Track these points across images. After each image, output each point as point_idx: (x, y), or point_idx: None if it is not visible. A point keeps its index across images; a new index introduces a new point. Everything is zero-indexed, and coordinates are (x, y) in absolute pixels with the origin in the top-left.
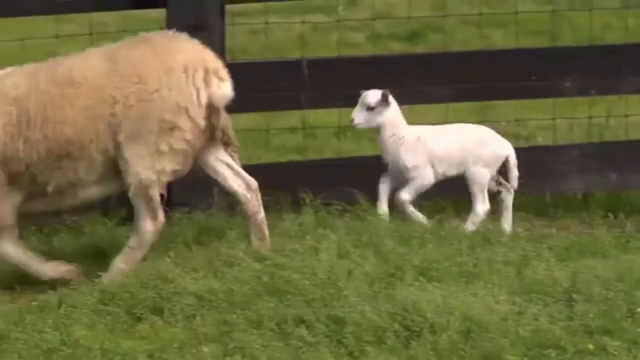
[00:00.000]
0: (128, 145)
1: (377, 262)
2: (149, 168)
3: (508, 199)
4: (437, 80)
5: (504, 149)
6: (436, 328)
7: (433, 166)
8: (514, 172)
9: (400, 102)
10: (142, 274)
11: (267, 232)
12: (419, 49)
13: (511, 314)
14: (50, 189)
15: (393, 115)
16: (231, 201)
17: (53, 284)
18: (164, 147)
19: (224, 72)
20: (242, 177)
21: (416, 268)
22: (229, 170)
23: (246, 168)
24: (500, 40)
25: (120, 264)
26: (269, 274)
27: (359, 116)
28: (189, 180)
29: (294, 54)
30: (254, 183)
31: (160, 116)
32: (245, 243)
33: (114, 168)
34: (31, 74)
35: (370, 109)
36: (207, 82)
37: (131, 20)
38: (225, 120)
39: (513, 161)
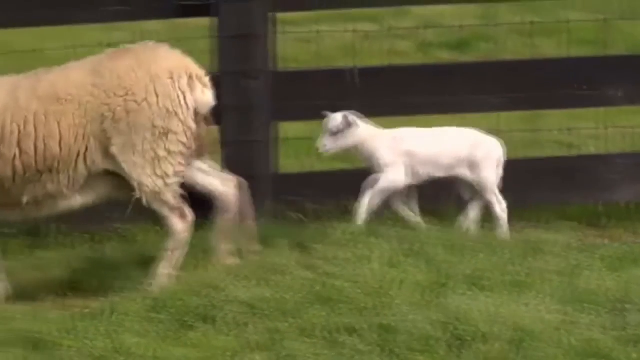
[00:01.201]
0: (124, 157)
1: (429, 271)
2: (152, 175)
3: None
4: (487, 89)
5: (498, 148)
6: (487, 338)
7: (414, 168)
8: (499, 172)
9: (450, 111)
10: (194, 282)
11: (231, 234)
12: (468, 58)
13: (563, 324)
14: (25, 200)
15: (362, 132)
16: (282, 210)
17: (105, 291)
18: (162, 152)
19: (207, 80)
20: (217, 176)
21: (468, 277)
22: (200, 173)
23: (297, 177)
24: (550, 49)
25: (163, 269)
26: (321, 283)
27: (325, 142)
28: None
29: (343, 63)
30: (234, 180)
31: (151, 123)
32: (297, 251)
33: (97, 177)
34: (9, 89)
35: (334, 133)
36: (191, 87)
37: (181, 28)
38: (206, 129)
39: (501, 162)
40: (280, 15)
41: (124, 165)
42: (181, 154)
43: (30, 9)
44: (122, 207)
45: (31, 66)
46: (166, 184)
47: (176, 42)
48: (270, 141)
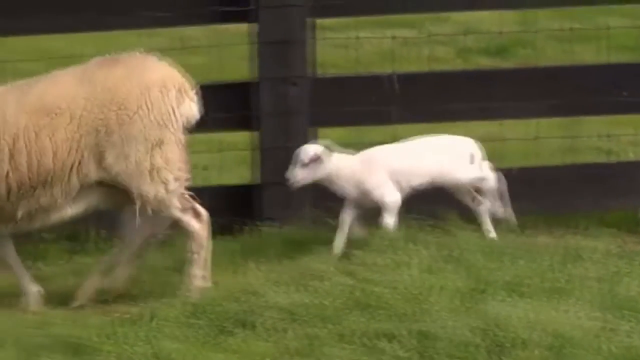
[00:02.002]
0: (120, 169)
1: (468, 277)
2: (153, 185)
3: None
4: (526, 96)
5: (470, 148)
6: (527, 344)
7: (397, 181)
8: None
9: (489, 117)
10: (233, 287)
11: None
12: (508, 64)
13: (602, 331)
14: (19, 215)
15: (334, 164)
16: (322, 216)
17: (145, 296)
18: (159, 162)
19: (193, 93)
20: (191, 207)
21: (507, 284)
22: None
23: None
24: (589, 55)
25: (194, 272)
26: (360, 289)
27: (297, 174)
28: (280, 194)
29: (383, 69)
30: (204, 213)
31: (144, 136)
32: (336, 257)
33: (88, 188)
34: None
35: (305, 165)
36: (180, 99)
37: (221, 34)
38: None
39: (479, 158)
40: (319, 21)
41: (119, 177)
42: (179, 161)
43: (68, 15)
44: None
45: None
46: (168, 190)
47: (215, 48)
48: None
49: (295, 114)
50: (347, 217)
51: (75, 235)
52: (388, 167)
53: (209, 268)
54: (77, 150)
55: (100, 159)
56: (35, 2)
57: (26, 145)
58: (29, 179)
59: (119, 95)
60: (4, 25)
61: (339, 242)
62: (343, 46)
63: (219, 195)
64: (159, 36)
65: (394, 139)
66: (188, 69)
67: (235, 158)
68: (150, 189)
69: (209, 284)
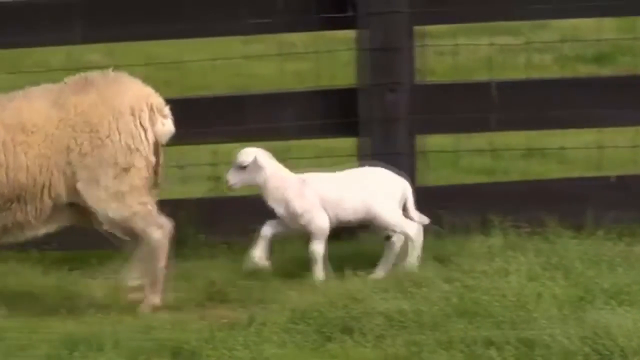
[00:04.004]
0: (89, 192)
1: (567, 285)
2: (118, 209)
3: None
4: (627, 103)
5: (401, 184)
6: (627, 352)
7: (326, 210)
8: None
9: (589, 125)
10: (332, 293)
11: (162, 282)
12: (606, 71)
13: None
14: None
15: (271, 172)
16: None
17: (244, 301)
18: (125, 187)
19: (167, 109)
20: (158, 221)
21: (606, 292)
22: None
23: (437, 189)
24: None
25: (150, 286)
26: (458, 295)
27: (233, 177)
28: None
29: (481, 76)
30: (168, 226)
31: (114, 160)
32: (434, 264)
33: (62, 208)
34: None
35: (242, 168)
36: (152, 120)
37: (320, 40)
38: (162, 160)
39: (410, 198)
40: (419, 28)
41: (88, 200)
42: (143, 186)
43: (172, 22)
44: (262, 217)
45: (174, 77)
46: (133, 213)
47: (315, 54)
48: (409, 154)
49: (396, 121)
50: (269, 232)
51: (175, 240)
52: (320, 194)
53: (162, 276)
54: (47, 169)
55: (71, 181)
56: (143, 9)
57: (5, 158)
58: (6, 191)
59: (92, 119)
60: (113, 33)
61: (259, 253)
62: (441, 53)
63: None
64: (260, 42)
65: (491, 146)
66: (288, 75)
67: (332, 164)
68: (115, 214)
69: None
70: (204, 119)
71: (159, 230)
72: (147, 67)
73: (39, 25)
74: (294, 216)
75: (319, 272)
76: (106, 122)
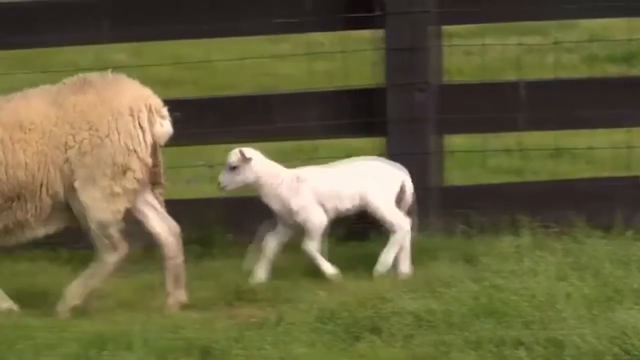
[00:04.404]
0: (84, 190)
1: (596, 285)
2: (106, 210)
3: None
4: None
5: (399, 174)
6: None
7: (322, 204)
8: (408, 201)
9: (617, 125)
10: (361, 293)
11: (184, 278)
12: (635, 71)
13: None
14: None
15: (260, 168)
16: (448, 221)
17: (272, 300)
18: (118, 189)
19: (165, 110)
20: (166, 221)
21: (635, 292)
22: (153, 213)
23: (464, 189)
24: None
25: (75, 290)
26: (487, 295)
27: (224, 178)
28: None
29: (508, 76)
30: (176, 227)
31: (112, 160)
32: (463, 264)
33: (60, 208)
34: None
35: (233, 168)
36: (150, 121)
37: (346, 40)
38: (161, 159)
39: (409, 189)
40: (445, 28)
41: (83, 198)
42: (134, 191)
43: (199, 21)
44: None
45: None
46: (115, 219)
47: (340, 54)
48: (436, 153)
49: (422, 121)
50: (271, 251)
51: (204, 239)
52: (315, 189)
53: (86, 292)
54: (45, 165)
55: (69, 178)
56: (171, 9)
57: (4, 156)
58: (7, 189)
59: (91, 119)
60: (141, 32)
61: (260, 274)
62: (468, 53)
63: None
64: (285, 42)
65: (520, 146)
66: (314, 74)
67: None
68: (102, 215)
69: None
70: (232, 118)
71: (115, 254)
72: (174, 66)
73: (67, 25)
74: (289, 213)
75: (325, 266)
76: (105, 121)
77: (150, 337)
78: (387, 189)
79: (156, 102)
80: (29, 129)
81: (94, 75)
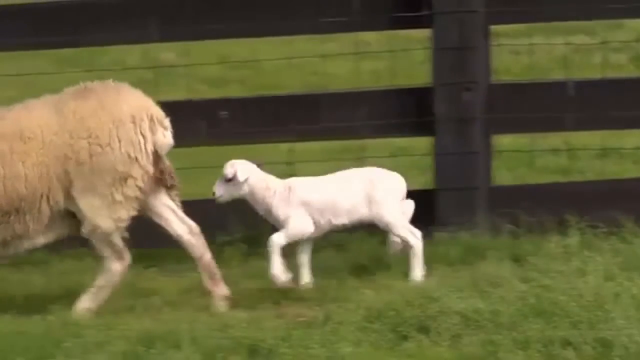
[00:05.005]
0: (84, 199)
1: None
2: (108, 218)
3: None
4: None
5: (398, 183)
6: None
7: (313, 217)
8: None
9: None
10: (408, 292)
11: (217, 272)
12: None
13: None
14: None
15: (254, 182)
16: (496, 221)
17: (320, 300)
18: (119, 197)
19: (167, 121)
20: (185, 222)
21: None
22: (173, 215)
23: (512, 189)
24: None
25: (86, 302)
26: (535, 295)
27: (219, 189)
28: (454, 200)
29: (556, 75)
30: (196, 227)
31: (113, 168)
32: (510, 264)
33: (59, 216)
34: None
35: (228, 180)
36: (152, 130)
37: (394, 39)
38: (168, 164)
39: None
40: (493, 27)
41: (82, 205)
42: (136, 199)
43: (247, 20)
44: None
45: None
46: (117, 227)
47: (390, 54)
48: (484, 153)
49: (470, 120)
50: (305, 259)
51: (251, 238)
52: (306, 201)
53: (99, 303)
54: (46, 176)
55: (68, 188)
56: (219, 8)
57: (2, 169)
58: (6, 203)
59: (91, 125)
60: (189, 31)
61: (306, 278)
62: (517, 52)
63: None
64: (333, 41)
65: (567, 145)
66: (362, 74)
67: (408, 163)
68: (104, 223)
69: (91, 314)
70: (279, 117)
71: (119, 263)
72: (221, 65)
73: (115, 24)
74: (277, 222)
75: (277, 266)
76: (106, 129)
77: (197, 336)
78: (394, 200)
79: (158, 112)
80: (29, 138)
81: (95, 83)
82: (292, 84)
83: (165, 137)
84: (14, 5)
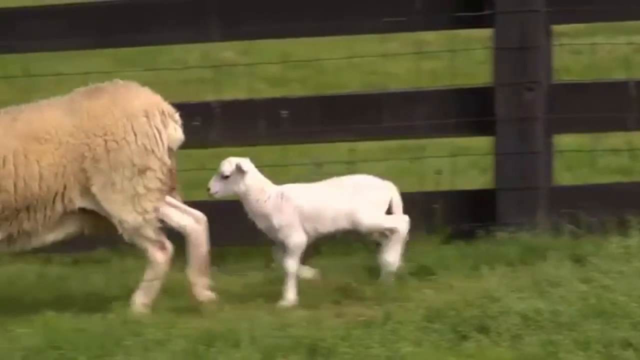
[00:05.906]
0: (105, 196)
1: None
2: (133, 212)
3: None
4: None
5: (386, 192)
6: None
7: (304, 224)
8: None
9: None
10: (468, 292)
11: (207, 268)
12: None
13: None
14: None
15: (251, 182)
16: (556, 221)
17: (379, 299)
18: (141, 190)
19: (177, 116)
20: (190, 213)
21: None
22: (175, 210)
23: (573, 189)
24: None
25: (141, 297)
26: (596, 296)
27: (214, 185)
28: (514, 200)
29: (617, 75)
30: (202, 217)
31: (130, 162)
32: (571, 264)
33: (72, 215)
34: None
35: (225, 177)
36: (165, 124)
37: (455, 39)
38: (174, 164)
39: (397, 203)
40: (555, 27)
41: (104, 203)
42: (158, 190)
43: (306, 20)
44: None
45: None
46: (146, 220)
47: (451, 54)
48: (545, 153)
49: (531, 120)
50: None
51: None
52: (298, 208)
53: (153, 296)
54: (63, 176)
55: (85, 186)
56: (279, 7)
57: (15, 169)
58: (15, 201)
59: (106, 123)
60: (249, 30)
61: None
62: (578, 52)
63: (454, 200)
64: (393, 41)
65: (629, 145)
66: (423, 73)
67: (468, 162)
68: (129, 217)
69: (148, 310)
70: (339, 117)
71: (161, 253)
72: (282, 65)
73: (176, 23)
74: (272, 230)
75: (291, 291)
76: (120, 124)
77: (257, 335)
78: (375, 206)
79: (168, 107)
80: (45, 139)
81: (105, 83)
82: (352, 83)
83: (176, 131)
84: (75, 4)
